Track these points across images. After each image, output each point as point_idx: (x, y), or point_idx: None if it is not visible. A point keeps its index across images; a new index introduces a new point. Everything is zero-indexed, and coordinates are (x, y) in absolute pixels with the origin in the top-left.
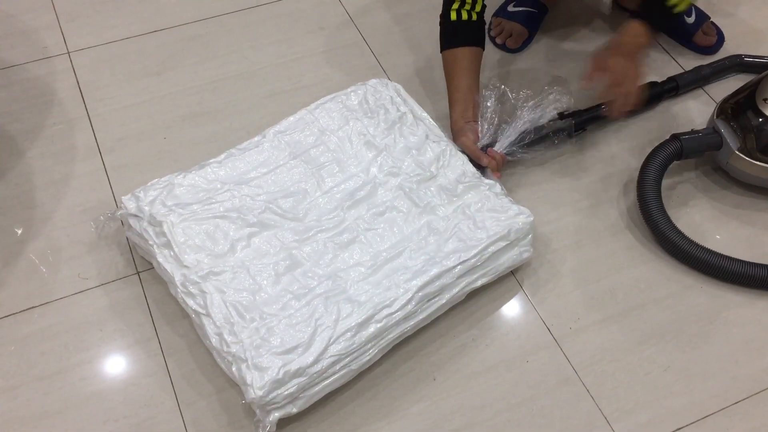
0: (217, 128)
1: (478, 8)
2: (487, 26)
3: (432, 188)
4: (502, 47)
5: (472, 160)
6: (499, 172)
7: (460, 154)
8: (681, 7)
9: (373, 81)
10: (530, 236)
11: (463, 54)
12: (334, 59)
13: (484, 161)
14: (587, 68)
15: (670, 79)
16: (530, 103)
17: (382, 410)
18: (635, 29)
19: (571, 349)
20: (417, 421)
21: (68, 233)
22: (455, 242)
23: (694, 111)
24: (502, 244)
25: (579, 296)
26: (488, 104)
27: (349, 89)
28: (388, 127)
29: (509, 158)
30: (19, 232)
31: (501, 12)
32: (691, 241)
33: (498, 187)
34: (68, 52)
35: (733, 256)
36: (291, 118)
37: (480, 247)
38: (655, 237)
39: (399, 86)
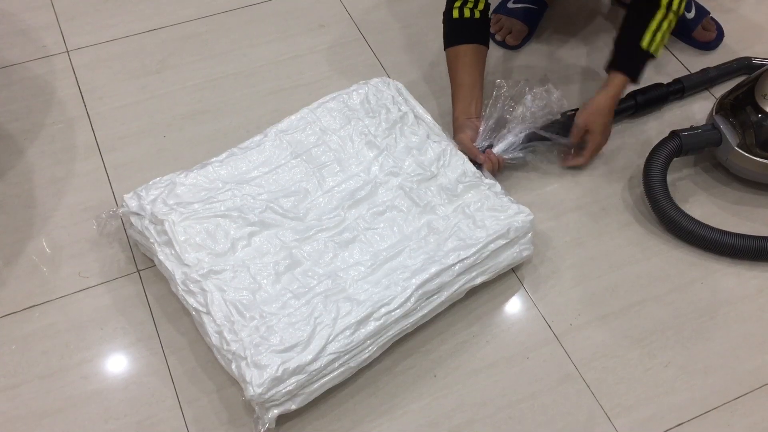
0: (216, 126)
1: (481, 6)
2: None
3: (432, 188)
4: (502, 44)
5: (471, 159)
6: (496, 174)
7: (460, 153)
8: (659, 52)
9: (374, 80)
10: (530, 234)
11: (465, 51)
12: (334, 57)
13: (480, 159)
14: (573, 138)
15: (676, 80)
16: (532, 103)
17: (383, 407)
18: (618, 84)
19: (571, 346)
20: (417, 417)
21: (69, 232)
22: (455, 241)
23: (694, 107)
24: (502, 242)
25: (579, 293)
26: (489, 103)
27: (350, 88)
28: (389, 127)
29: (509, 161)
30: (20, 231)
31: (501, 9)
32: (702, 223)
33: (498, 187)
34: (68, 51)
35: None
36: (293, 117)
37: (479, 246)
38: (665, 223)
39: (401, 85)
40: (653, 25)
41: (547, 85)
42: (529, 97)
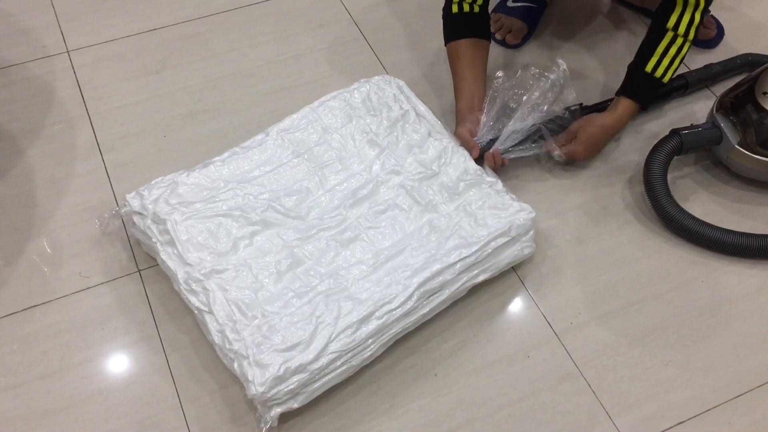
0: (217, 126)
1: (479, 1)
2: None
3: (434, 186)
4: (502, 43)
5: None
6: (498, 172)
7: (462, 150)
8: (667, 77)
9: (376, 78)
10: (532, 232)
11: (465, 46)
12: (334, 56)
13: (473, 153)
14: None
15: (680, 77)
16: (534, 98)
17: (383, 406)
18: (627, 109)
19: (572, 344)
20: (418, 416)
21: (69, 232)
22: (456, 239)
23: (694, 105)
24: (503, 240)
25: (580, 291)
26: (489, 94)
27: (352, 86)
28: (390, 125)
29: (512, 155)
30: (20, 231)
31: (500, 8)
32: (702, 222)
33: (500, 184)
34: (68, 51)
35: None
36: (294, 116)
37: (480, 244)
38: (666, 222)
39: (402, 83)
40: (659, 50)
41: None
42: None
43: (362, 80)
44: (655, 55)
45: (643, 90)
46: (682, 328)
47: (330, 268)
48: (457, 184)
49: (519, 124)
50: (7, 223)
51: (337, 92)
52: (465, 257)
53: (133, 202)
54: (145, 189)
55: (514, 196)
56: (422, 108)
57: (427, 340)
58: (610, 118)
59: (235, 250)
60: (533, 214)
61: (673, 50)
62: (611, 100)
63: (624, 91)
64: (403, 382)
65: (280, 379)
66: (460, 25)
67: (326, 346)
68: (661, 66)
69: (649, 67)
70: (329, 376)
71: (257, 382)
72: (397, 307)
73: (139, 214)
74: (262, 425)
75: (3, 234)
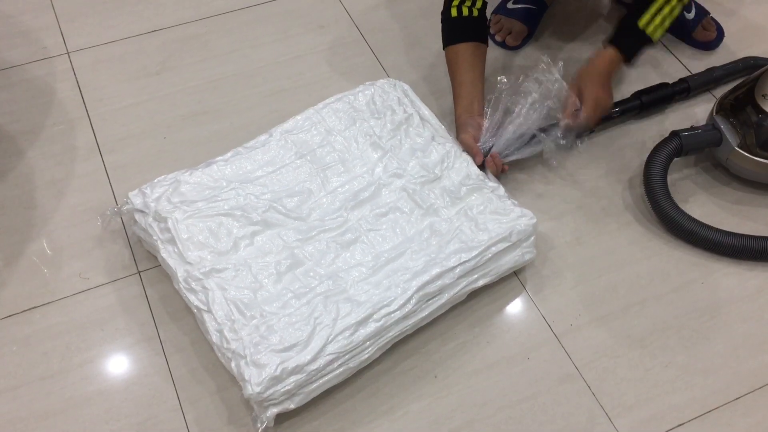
0: (217, 127)
1: (479, 4)
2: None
3: (436, 190)
4: (502, 45)
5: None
6: (499, 176)
7: (464, 155)
8: (656, 35)
9: (381, 81)
10: (533, 238)
11: (465, 49)
12: (334, 58)
13: (477, 160)
14: (567, 101)
15: (681, 80)
16: (535, 103)
17: (383, 407)
18: (607, 56)
19: (572, 346)
20: (418, 418)
21: (69, 233)
22: (457, 243)
23: (694, 107)
24: (504, 245)
25: (580, 293)
26: (492, 99)
27: (356, 89)
28: (394, 128)
29: (515, 157)
30: (20, 232)
31: (500, 9)
32: (702, 223)
33: (501, 190)
34: (68, 53)
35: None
36: (298, 117)
37: (481, 248)
38: (666, 223)
39: (407, 87)
40: (654, 7)
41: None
42: (533, 83)
43: (367, 83)
44: (649, 11)
45: (632, 44)
46: (682, 329)
47: (330, 269)
48: (459, 188)
49: (520, 129)
50: (7, 224)
51: (342, 95)
52: (465, 261)
53: (135, 199)
54: (147, 187)
55: (515, 202)
56: (426, 112)
57: (427, 341)
58: (598, 64)
59: (235, 250)
60: (534, 220)
61: (666, 10)
62: (616, 104)
63: (613, 41)
64: (402, 383)
65: (276, 380)
66: (459, 29)
67: (324, 347)
68: (653, 23)
69: (642, 23)
70: (326, 378)
71: (254, 381)
72: (396, 310)
73: (141, 211)
74: (258, 425)
75: (3, 235)
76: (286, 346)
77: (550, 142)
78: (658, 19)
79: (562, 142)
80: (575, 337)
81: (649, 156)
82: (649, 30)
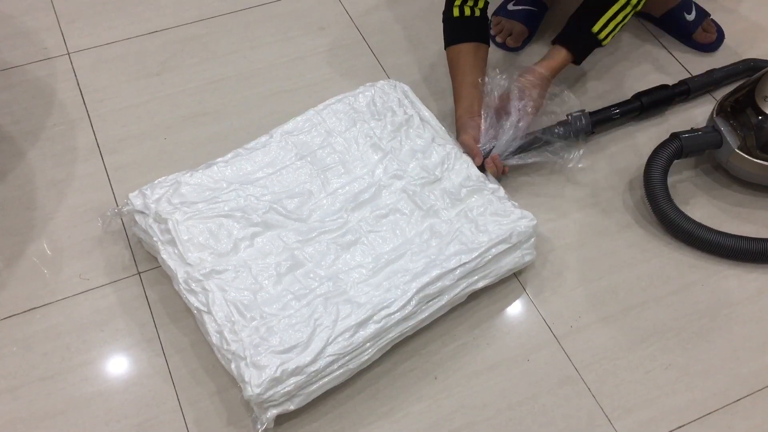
0: (217, 128)
1: (480, 4)
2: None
3: (436, 191)
4: (502, 46)
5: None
6: (500, 178)
7: (465, 156)
8: (607, 41)
9: (381, 82)
10: (533, 240)
11: (467, 50)
12: (335, 59)
13: (477, 161)
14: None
15: (682, 82)
16: (528, 105)
17: (383, 409)
18: (560, 58)
19: (572, 348)
20: (417, 419)
21: (69, 234)
22: (457, 245)
23: (694, 109)
24: (504, 246)
25: (580, 294)
26: (491, 101)
27: (357, 90)
28: (394, 130)
29: (512, 162)
30: (21, 233)
31: (501, 11)
32: (702, 226)
33: (501, 191)
34: (68, 53)
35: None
36: (299, 119)
37: (481, 250)
38: (666, 225)
39: (407, 88)
40: (609, 13)
41: (564, 91)
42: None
43: (367, 84)
44: (604, 17)
45: (584, 47)
46: (682, 331)
47: (330, 271)
48: (459, 189)
49: (517, 131)
50: (7, 225)
51: (342, 96)
52: (465, 263)
53: (136, 200)
54: (147, 188)
55: (515, 203)
56: (426, 113)
57: (427, 343)
58: (548, 69)
59: (235, 251)
60: (534, 222)
61: (620, 16)
62: (616, 106)
63: (564, 42)
64: (402, 385)
65: (276, 381)
66: (461, 29)
67: (324, 348)
68: (606, 29)
69: (596, 28)
70: (326, 379)
71: (254, 383)
72: (396, 312)
73: (141, 212)
74: (258, 427)
75: (3, 236)
76: (286, 348)
77: (554, 140)
78: (611, 25)
79: (562, 142)
80: (575, 339)
81: (649, 158)
82: (602, 35)
